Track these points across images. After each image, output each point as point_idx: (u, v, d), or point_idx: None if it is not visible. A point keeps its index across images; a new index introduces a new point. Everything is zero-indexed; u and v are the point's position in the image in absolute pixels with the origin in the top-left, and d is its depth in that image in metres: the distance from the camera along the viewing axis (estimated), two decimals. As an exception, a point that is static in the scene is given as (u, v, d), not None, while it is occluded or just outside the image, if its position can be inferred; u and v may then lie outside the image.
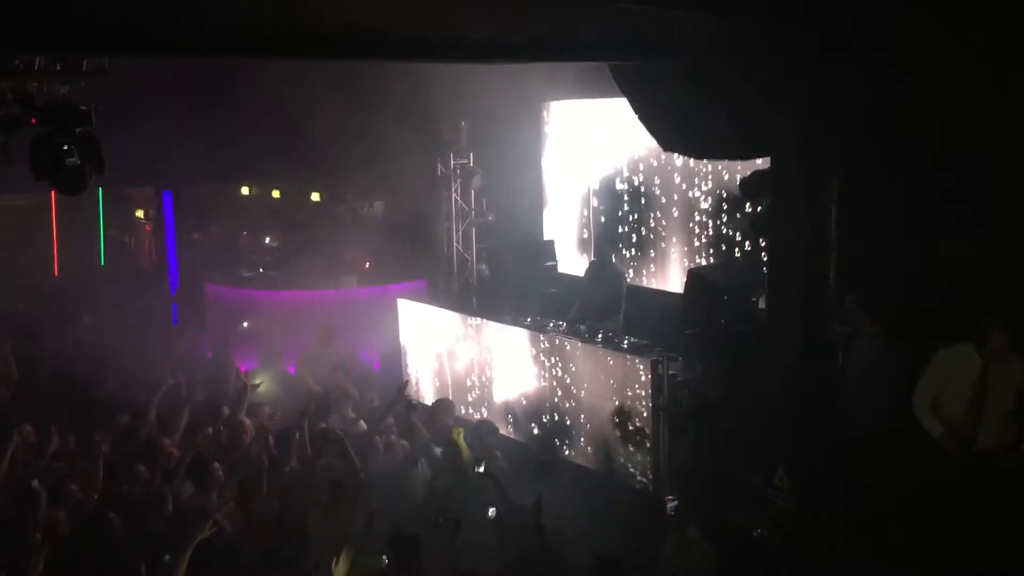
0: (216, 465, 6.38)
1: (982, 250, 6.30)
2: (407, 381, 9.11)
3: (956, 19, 5.49)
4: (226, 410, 7.78)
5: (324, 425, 7.53)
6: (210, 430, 7.45)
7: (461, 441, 7.08)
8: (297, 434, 7.14)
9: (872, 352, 6.60)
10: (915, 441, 6.25)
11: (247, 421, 7.43)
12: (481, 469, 6.64)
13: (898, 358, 6.51)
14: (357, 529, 5.60)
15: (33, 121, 4.73)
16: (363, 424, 7.99)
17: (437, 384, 9.90)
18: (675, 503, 6.17)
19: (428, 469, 7.24)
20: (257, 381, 9.14)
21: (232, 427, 7.39)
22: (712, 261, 9.05)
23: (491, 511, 6.34)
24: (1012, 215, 6.19)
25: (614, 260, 9.59)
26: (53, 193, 11.29)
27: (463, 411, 9.32)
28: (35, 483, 5.76)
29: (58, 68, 4.63)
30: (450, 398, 9.06)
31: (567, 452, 8.36)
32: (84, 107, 4.74)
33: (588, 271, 9.68)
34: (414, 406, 8.11)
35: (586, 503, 6.73)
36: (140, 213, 15.86)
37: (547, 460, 7.80)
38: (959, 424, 6.07)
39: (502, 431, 9.03)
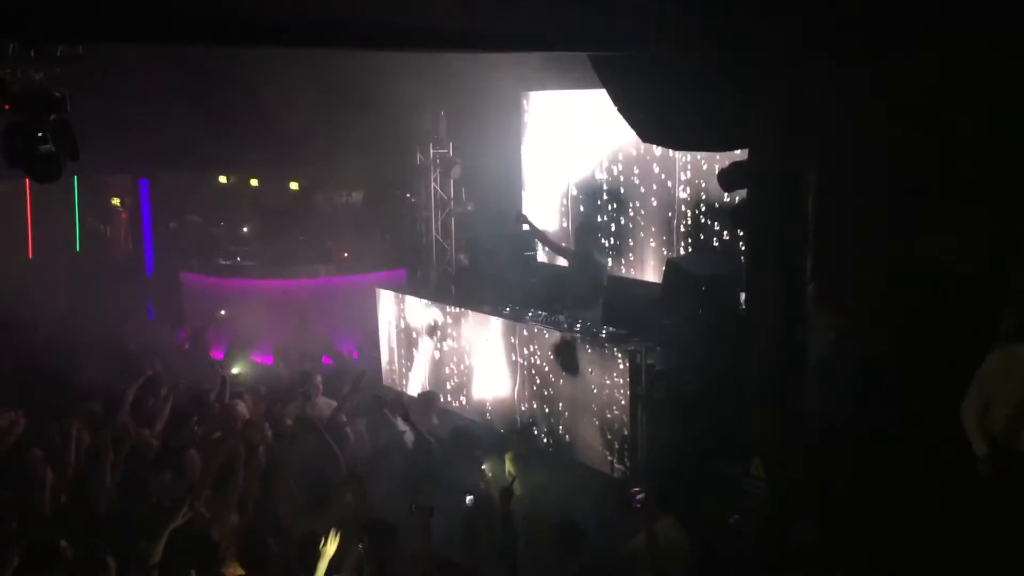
0: (192, 453, 6.37)
1: (954, 249, 6.33)
2: (363, 372, 9.12)
3: (936, 19, 5.51)
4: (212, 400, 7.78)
5: (296, 413, 7.53)
6: (195, 419, 7.44)
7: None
8: (266, 423, 7.14)
9: (824, 346, 6.64)
10: (864, 438, 6.28)
11: (240, 406, 7.43)
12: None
13: (851, 354, 6.54)
14: (344, 511, 5.62)
15: (7, 108, 4.67)
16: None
17: (416, 373, 9.89)
18: (642, 495, 6.19)
19: (401, 458, 7.25)
20: (235, 371, 9.14)
21: (222, 416, 7.37)
22: (691, 251, 9.08)
23: (468, 498, 6.36)
24: (986, 215, 6.22)
25: (594, 251, 9.61)
26: (28, 180, 11.19)
27: (442, 399, 9.34)
28: None
29: (32, 54, 4.57)
30: (429, 387, 9.06)
31: (544, 440, 8.39)
32: (59, 94, 4.69)
33: (571, 261, 9.69)
34: (384, 401, 8.11)
35: (559, 491, 6.78)
36: (116, 201, 15.74)
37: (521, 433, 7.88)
38: (1002, 434, 5.69)
39: (480, 420, 9.07)
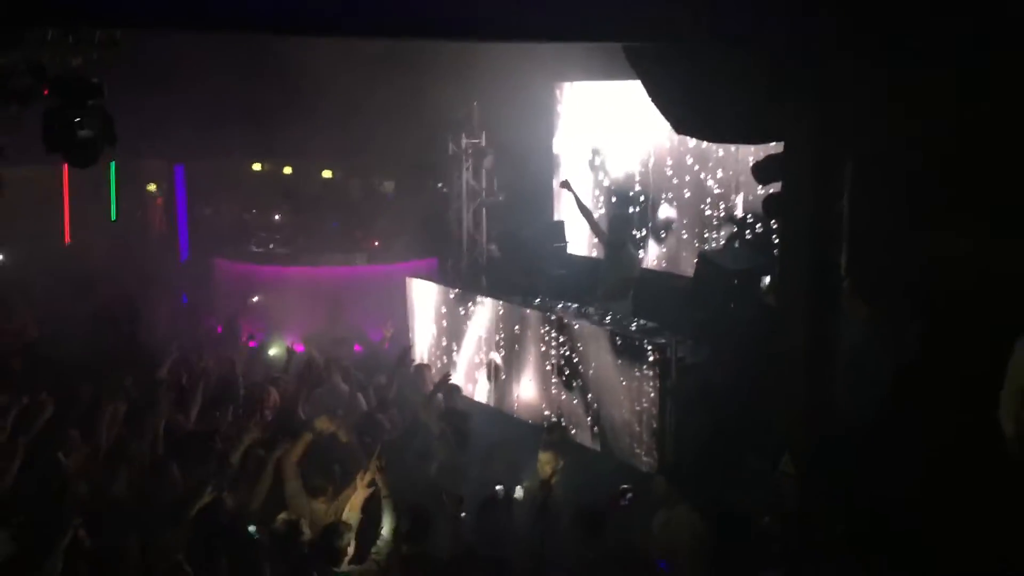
0: (217, 438, 6.41)
1: (989, 244, 6.24)
2: (409, 348, 9.21)
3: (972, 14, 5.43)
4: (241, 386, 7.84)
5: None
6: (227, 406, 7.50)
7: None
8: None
9: (857, 340, 6.58)
10: (898, 432, 6.21)
11: (272, 392, 7.49)
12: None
13: (885, 348, 6.48)
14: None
15: (46, 93, 4.73)
16: (362, 401, 8.01)
17: (445, 362, 9.92)
18: (631, 494, 6.25)
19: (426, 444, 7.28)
20: (272, 352, 9.23)
21: (253, 399, 7.43)
22: (723, 244, 9.02)
23: (498, 488, 6.39)
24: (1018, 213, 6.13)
25: (629, 243, 9.57)
26: (66, 165, 11.33)
27: (471, 389, 9.37)
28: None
29: (71, 40, 4.62)
30: (455, 378, 9.06)
31: (572, 432, 8.38)
32: (96, 79, 4.74)
33: (605, 252, 9.65)
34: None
35: (583, 480, 6.80)
36: (152, 187, 15.89)
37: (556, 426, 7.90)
38: None
39: (509, 411, 9.08)
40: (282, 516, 5.61)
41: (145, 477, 6.11)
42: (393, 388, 8.24)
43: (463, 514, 5.98)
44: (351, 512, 5.71)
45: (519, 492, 6.41)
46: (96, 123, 4.78)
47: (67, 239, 14.78)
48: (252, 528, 5.55)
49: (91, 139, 4.80)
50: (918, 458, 6.20)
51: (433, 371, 9.34)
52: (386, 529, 5.62)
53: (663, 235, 9.76)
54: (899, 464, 6.24)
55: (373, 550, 5.52)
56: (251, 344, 9.87)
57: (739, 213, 8.91)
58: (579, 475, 6.99)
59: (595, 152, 10.56)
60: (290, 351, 9.53)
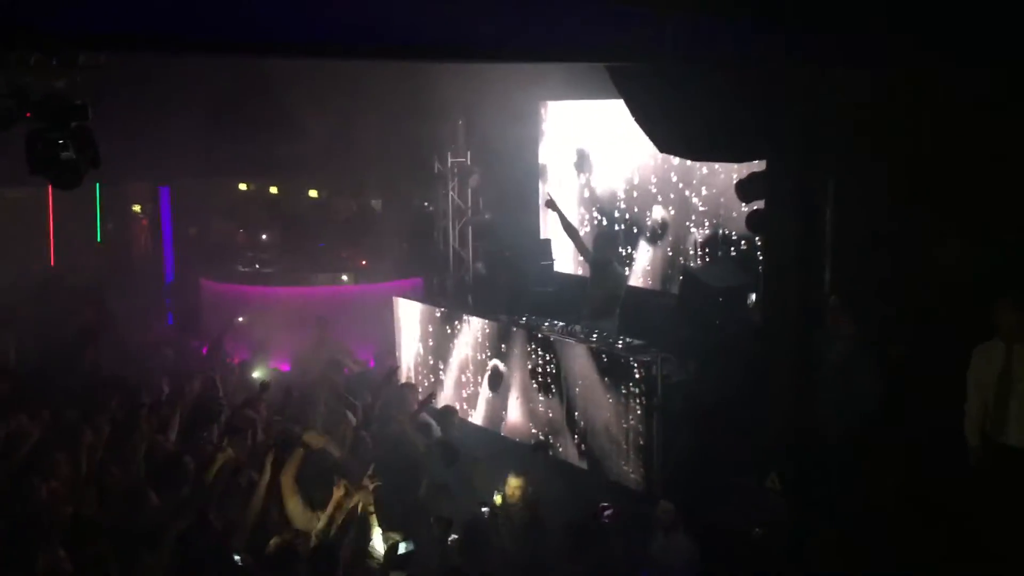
0: (188, 459, 6.35)
1: (974, 258, 6.30)
2: (395, 368, 9.23)
3: (955, 30, 5.50)
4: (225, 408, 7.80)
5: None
6: (213, 427, 7.46)
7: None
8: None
9: (846, 355, 6.61)
10: (888, 449, 6.24)
11: (251, 412, 7.46)
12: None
13: (872, 362, 6.52)
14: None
15: (28, 115, 4.71)
16: (351, 417, 7.99)
17: (431, 382, 9.91)
18: (610, 511, 6.29)
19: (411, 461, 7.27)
20: (256, 375, 9.19)
21: (235, 422, 7.40)
22: (707, 262, 9.05)
23: (484, 509, 6.38)
24: (1004, 225, 6.19)
25: (614, 260, 9.59)
26: (50, 187, 11.28)
27: (458, 406, 9.36)
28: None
29: (54, 63, 4.61)
30: (441, 397, 9.07)
31: (560, 450, 8.38)
32: (79, 102, 4.73)
33: (590, 270, 9.67)
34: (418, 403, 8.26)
35: (575, 503, 6.79)
36: (137, 208, 15.86)
37: (541, 444, 7.92)
38: (992, 426, 5.89)
39: (497, 430, 9.07)
40: (275, 540, 5.55)
41: (124, 500, 6.05)
42: (377, 406, 8.22)
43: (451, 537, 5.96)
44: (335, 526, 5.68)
45: (484, 511, 6.39)
46: (80, 145, 4.76)
47: (52, 261, 14.72)
48: (237, 558, 5.48)
49: (75, 161, 4.77)
50: (904, 472, 6.23)
51: (420, 390, 9.34)
52: (377, 549, 5.59)
53: (648, 253, 9.79)
54: (885, 478, 6.27)
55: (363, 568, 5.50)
56: (233, 361, 9.84)
57: (722, 231, 8.96)
58: (565, 492, 7.00)
59: (580, 170, 10.60)
60: (274, 371, 9.51)
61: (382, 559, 5.57)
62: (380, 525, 5.84)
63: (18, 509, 5.59)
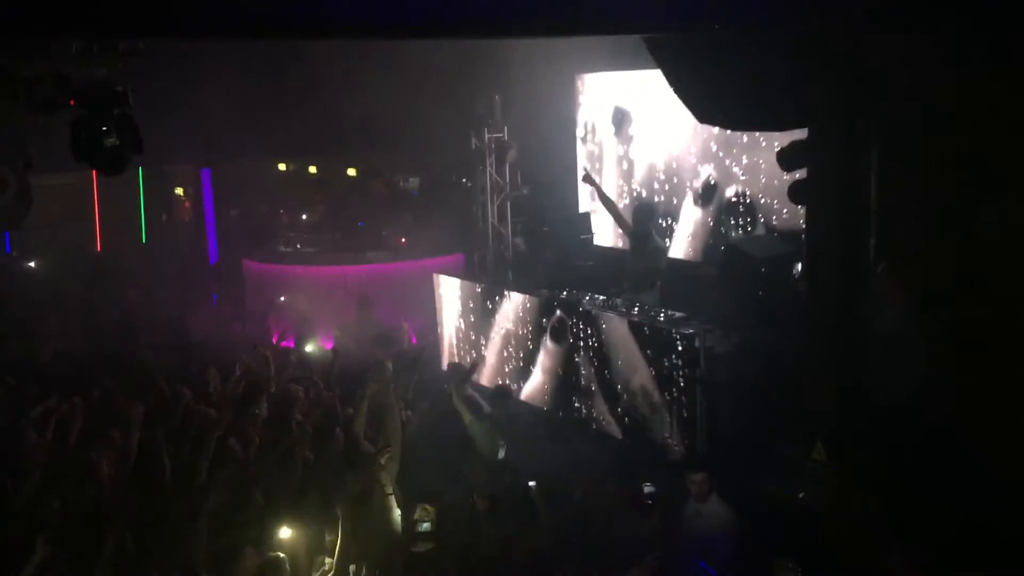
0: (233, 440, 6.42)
1: (1020, 223, 6.16)
2: (423, 349, 9.33)
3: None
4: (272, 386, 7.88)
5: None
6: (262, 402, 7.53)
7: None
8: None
9: (891, 322, 6.52)
10: (939, 416, 6.15)
11: (298, 389, 7.53)
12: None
13: (917, 329, 6.42)
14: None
15: (72, 103, 4.78)
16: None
17: (475, 357, 9.94)
18: (653, 490, 6.31)
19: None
20: (308, 348, 9.28)
21: (281, 397, 7.47)
22: (749, 232, 8.97)
23: (531, 483, 6.40)
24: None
25: (653, 233, 9.54)
26: (95, 173, 11.45)
27: (500, 382, 9.39)
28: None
29: (95, 50, 4.67)
30: (482, 371, 9.08)
31: (603, 422, 8.38)
32: (121, 88, 4.79)
33: (630, 243, 9.63)
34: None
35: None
36: (180, 191, 16.05)
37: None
38: None
39: (538, 404, 9.09)
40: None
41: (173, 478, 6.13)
42: (413, 383, 8.24)
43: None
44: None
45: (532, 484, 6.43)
46: (122, 132, 4.83)
47: (99, 246, 14.96)
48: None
49: (118, 147, 4.84)
50: (954, 443, 6.15)
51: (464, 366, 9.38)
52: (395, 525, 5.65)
53: (689, 224, 9.72)
54: (934, 450, 6.19)
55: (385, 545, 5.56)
56: (274, 340, 9.94)
57: (764, 200, 8.86)
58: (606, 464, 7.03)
59: (618, 142, 10.53)
60: (323, 349, 9.60)
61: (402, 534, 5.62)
62: (399, 503, 5.87)
63: (76, 493, 5.70)
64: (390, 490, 5.85)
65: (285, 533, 5.48)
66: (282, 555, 5.24)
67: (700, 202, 9.58)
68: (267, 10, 4.23)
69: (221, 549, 5.28)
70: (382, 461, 5.93)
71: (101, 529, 5.11)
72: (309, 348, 9.50)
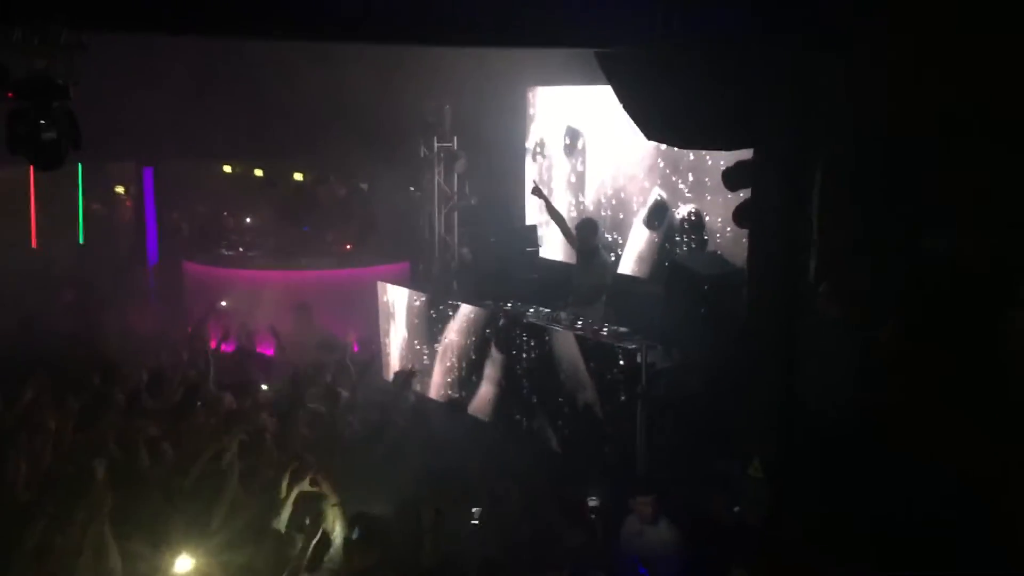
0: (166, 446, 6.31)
1: (961, 249, 6.29)
2: (373, 357, 9.44)
3: (945, 19, 5.48)
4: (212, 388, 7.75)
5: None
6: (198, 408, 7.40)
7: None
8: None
9: (829, 342, 6.62)
10: (870, 432, 6.25)
11: (227, 397, 7.41)
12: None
13: (854, 349, 6.52)
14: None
15: (10, 95, 4.65)
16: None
17: (417, 367, 9.87)
18: (596, 502, 6.35)
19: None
20: None
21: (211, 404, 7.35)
22: (694, 249, 9.06)
23: (474, 510, 6.35)
24: (993, 216, 6.18)
25: (600, 248, 9.58)
26: (32, 167, 11.17)
27: (441, 392, 9.34)
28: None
29: (35, 42, 4.55)
30: (426, 381, 9.05)
31: (544, 434, 8.37)
32: (61, 81, 4.67)
33: (576, 257, 9.65)
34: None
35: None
36: (121, 189, 15.73)
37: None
38: None
39: (481, 416, 9.06)
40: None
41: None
42: (359, 392, 8.19)
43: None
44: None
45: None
46: (61, 125, 4.71)
47: (34, 242, 14.60)
48: None
49: (56, 141, 4.72)
50: (885, 460, 6.24)
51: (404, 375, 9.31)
52: (338, 538, 5.56)
53: (636, 240, 9.78)
54: (865, 466, 6.29)
55: (326, 558, 5.46)
56: (212, 345, 9.78)
57: (709, 219, 8.96)
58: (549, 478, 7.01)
59: (568, 156, 10.57)
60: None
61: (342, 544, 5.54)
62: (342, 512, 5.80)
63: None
64: (335, 500, 5.75)
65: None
66: None
67: (648, 220, 9.65)
68: (212, 6, 4.17)
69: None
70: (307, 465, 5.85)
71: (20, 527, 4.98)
72: None
